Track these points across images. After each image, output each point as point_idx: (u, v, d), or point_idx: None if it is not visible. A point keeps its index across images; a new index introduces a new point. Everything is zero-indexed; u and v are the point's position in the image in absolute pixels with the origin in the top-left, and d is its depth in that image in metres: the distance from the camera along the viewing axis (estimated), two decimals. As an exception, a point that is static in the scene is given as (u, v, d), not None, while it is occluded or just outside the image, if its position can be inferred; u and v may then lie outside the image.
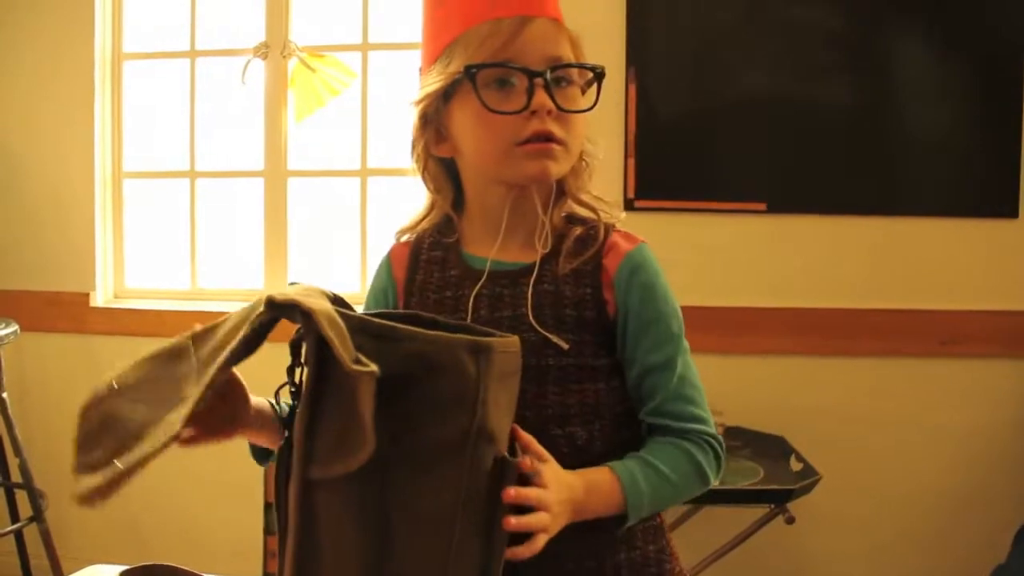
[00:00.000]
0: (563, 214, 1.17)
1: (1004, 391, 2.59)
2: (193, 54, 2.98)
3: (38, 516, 2.60)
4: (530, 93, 1.07)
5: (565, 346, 1.09)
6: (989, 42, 2.56)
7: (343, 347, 0.82)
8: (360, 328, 0.86)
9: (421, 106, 1.14)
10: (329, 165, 2.97)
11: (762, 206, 2.62)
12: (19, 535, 2.74)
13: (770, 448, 2.41)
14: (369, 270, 2.90)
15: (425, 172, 1.19)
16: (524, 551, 0.95)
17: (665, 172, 2.65)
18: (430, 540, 0.88)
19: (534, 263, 1.13)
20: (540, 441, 1.05)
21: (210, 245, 3.03)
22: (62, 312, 2.90)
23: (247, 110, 2.95)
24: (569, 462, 1.07)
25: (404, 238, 1.24)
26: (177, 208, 3.02)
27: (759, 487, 2.16)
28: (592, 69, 1.13)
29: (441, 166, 1.18)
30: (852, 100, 2.59)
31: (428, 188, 1.20)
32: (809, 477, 2.17)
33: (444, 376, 0.87)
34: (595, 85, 1.14)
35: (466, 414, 0.88)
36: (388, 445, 0.85)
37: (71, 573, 1.48)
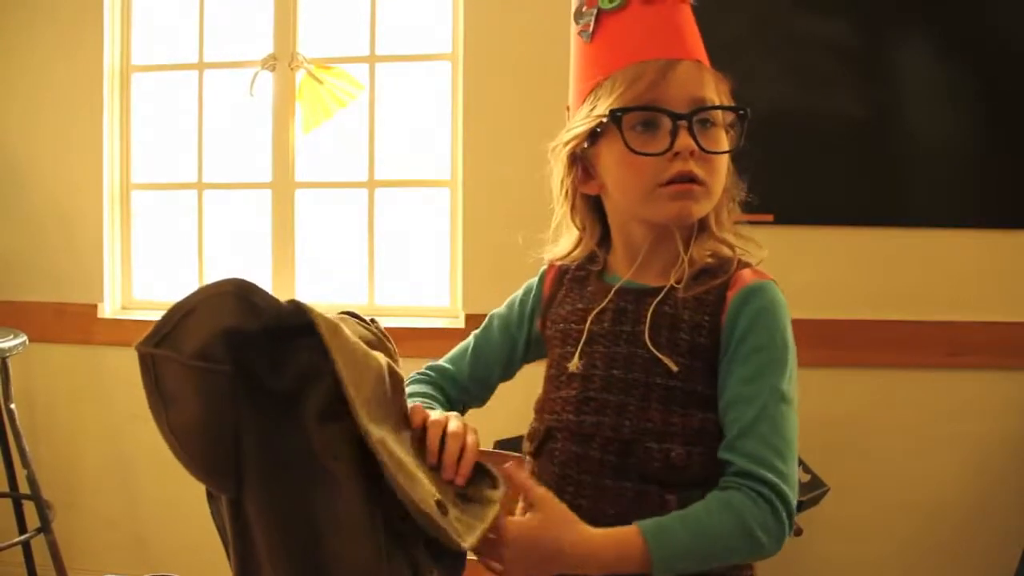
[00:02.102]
0: (707, 252, 1.18)
1: (1012, 402, 2.58)
2: (201, 66, 2.99)
3: (45, 527, 2.60)
4: (673, 135, 1.10)
5: (674, 368, 1.10)
6: (998, 53, 2.56)
7: None
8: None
9: (570, 146, 1.18)
10: (336, 177, 2.98)
11: (769, 217, 2.61)
12: (27, 546, 2.73)
13: (778, 459, 2.40)
14: (376, 281, 2.92)
15: (573, 210, 1.23)
16: None
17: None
18: (356, 545, 0.89)
19: (663, 287, 1.15)
20: (633, 452, 1.08)
21: (218, 256, 3.03)
22: (70, 323, 2.90)
23: (255, 122, 2.96)
24: (661, 477, 1.08)
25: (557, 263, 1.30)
26: (185, 219, 3.03)
27: (767, 499, 2.15)
28: (736, 111, 1.17)
29: (588, 203, 1.22)
30: (859, 111, 2.59)
31: (575, 225, 1.25)
32: (817, 488, 2.16)
33: (319, 384, 0.89)
34: (740, 125, 1.17)
35: (342, 419, 0.90)
36: (302, 458, 0.88)
37: (78, 584, 1.49)
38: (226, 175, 3.02)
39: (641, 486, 1.09)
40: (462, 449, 1.02)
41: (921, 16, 2.58)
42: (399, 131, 2.93)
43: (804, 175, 2.61)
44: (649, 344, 1.11)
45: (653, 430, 1.09)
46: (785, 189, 2.62)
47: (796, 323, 2.63)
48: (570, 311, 1.22)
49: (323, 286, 2.98)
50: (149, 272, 3.05)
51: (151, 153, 3.04)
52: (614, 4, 1.16)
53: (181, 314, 0.86)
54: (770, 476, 1.03)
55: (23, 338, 2.57)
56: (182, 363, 0.84)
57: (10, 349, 2.50)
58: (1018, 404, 2.57)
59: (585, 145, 1.17)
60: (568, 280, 1.27)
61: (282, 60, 2.90)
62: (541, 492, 1.03)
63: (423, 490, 0.91)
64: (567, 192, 1.21)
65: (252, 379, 0.86)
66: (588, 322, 1.17)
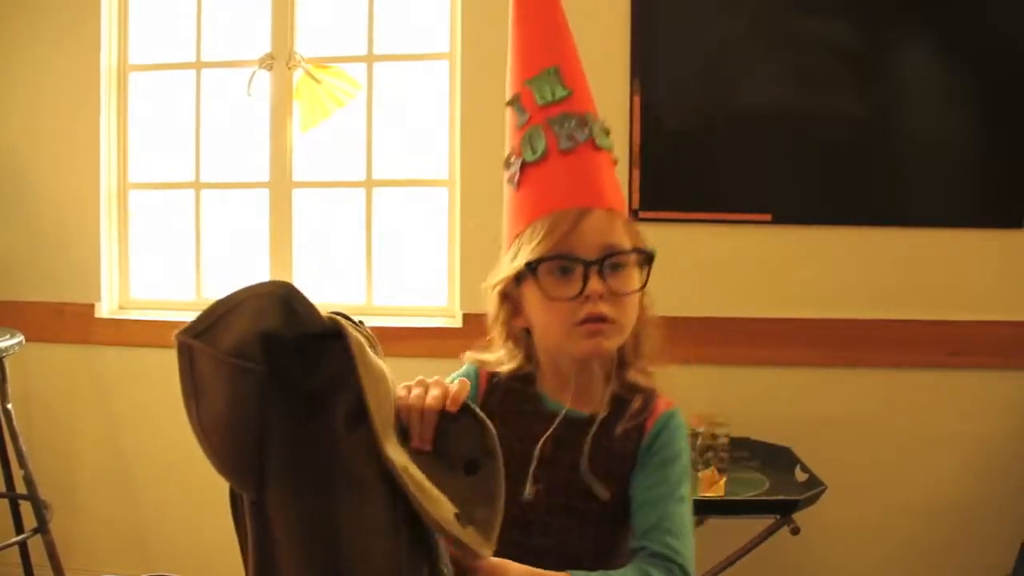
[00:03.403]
0: (628, 379, 1.31)
1: (1012, 402, 2.58)
2: (199, 65, 2.99)
3: (43, 528, 2.60)
4: (585, 279, 1.21)
5: (607, 496, 1.24)
6: (998, 54, 2.56)
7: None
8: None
9: (499, 287, 1.30)
10: (334, 176, 2.98)
11: (767, 217, 2.61)
12: (24, 546, 2.73)
13: (776, 459, 2.40)
14: (374, 280, 2.92)
15: (507, 338, 1.34)
16: None
17: (670, 183, 2.65)
18: (376, 548, 0.90)
19: (596, 415, 1.28)
20: (580, 566, 1.18)
21: (215, 256, 3.03)
22: (67, 323, 2.90)
23: (253, 121, 2.96)
24: None
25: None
26: (183, 219, 3.02)
27: (764, 498, 2.15)
28: (641, 252, 1.27)
29: (521, 332, 1.33)
30: (857, 111, 2.58)
31: (508, 350, 1.35)
32: (815, 488, 2.16)
33: (347, 390, 0.89)
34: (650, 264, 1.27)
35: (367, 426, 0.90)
36: (327, 460, 0.88)
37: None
38: (224, 175, 3.01)
39: None
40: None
41: (921, 16, 2.57)
42: (397, 131, 2.92)
43: (804, 175, 2.61)
44: (589, 474, 1.24)
45: (589, 551, 1.24)
46: (785, 189, 2.62)
47: (796, 323, 2.65)
48: (510, 433, 1.25)
49: (321, 286, 2.97)
50: (147, 272, 3.04)
51: (149, 152, 3.03)
52: (536, 156, 1.28)
53: (224, 309, 0.86)
54: (675, 557, 1.19)
55: (20, 338, 2.56)
56: (217, 357, 0.84)
57: (7, 349, 2.49)
58: (1018, 404, 2.57)
59: (513, 286, 1.29)
60: (504, 390, 1.34)
61: (280, 59, 2.90)
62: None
63: (444, 508, 0.93)
64: (501, 326, 1.32)
65: (284, 381, 0.86)
66: (538, 449, 1.26)
